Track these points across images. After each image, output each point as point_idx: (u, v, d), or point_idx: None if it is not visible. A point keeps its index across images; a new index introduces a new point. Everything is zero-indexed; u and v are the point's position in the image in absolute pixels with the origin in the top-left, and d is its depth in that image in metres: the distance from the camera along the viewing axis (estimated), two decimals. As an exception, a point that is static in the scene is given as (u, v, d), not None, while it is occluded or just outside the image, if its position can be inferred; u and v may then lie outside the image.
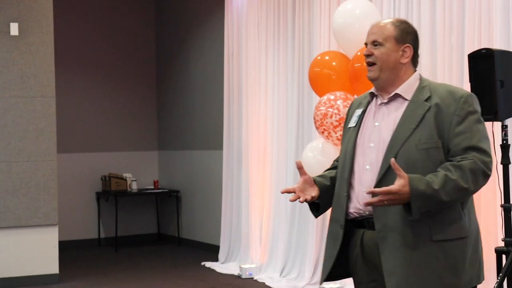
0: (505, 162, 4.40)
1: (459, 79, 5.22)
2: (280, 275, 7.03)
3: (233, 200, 7.98)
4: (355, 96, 5.27)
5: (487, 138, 2.85)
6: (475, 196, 4.96)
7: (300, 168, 3.04)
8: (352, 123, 3.05)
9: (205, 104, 9.13)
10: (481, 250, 2.94)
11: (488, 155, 2.80)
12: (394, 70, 2.92)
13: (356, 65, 5.15)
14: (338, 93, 5.25)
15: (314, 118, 5.29)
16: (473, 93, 2.90)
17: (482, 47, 4.69)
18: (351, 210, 2.93)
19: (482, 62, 4.40)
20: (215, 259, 8.11)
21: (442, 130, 2.79)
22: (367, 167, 2.89)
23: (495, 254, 4.39)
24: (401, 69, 2.93)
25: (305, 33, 6.93)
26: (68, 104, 9.33)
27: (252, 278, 7.21)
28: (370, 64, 2.94)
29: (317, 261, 6.61)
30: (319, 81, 5.51)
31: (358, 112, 3.05)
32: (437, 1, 5.48)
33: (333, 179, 3.10)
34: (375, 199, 2.69)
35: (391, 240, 2.79)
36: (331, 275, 3.00)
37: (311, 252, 6.65)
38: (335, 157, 5.31)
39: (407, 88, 2.92)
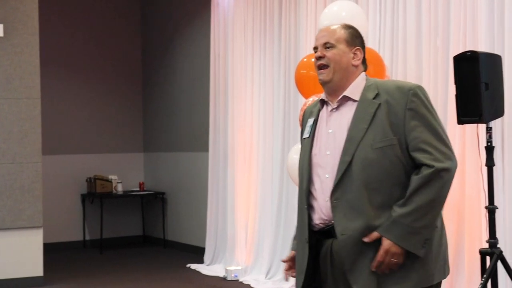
0: (489, 164, 4.42)
1: (444, 81, 5.25)
2: (266, 277, 7.02)
3: (219, 202, 7.97)
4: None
5: (441, 125, 2.83)
6: (460, 198, 5.03)
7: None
8: (306, 134, 3.01)
9: (191, 105, 9.12)
10: (446, 245, 2.91)
11: (445, 144, 2.78)
12: (346, 72, 2.89)
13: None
14: (323, 95, 5.25)
15: (299, 120, 5.29)
16: (419, 85, 2.86)
17: (467, 49, 4.72)
18: (316, 221, 2.89)
19: (467, 65, 4.42)
20: (201, 261, 8.10)
21: (397, 126, 2.76)
22: (327, 175, 2.85)
23: (479, 256, 4.40)
24: (352, 71, 2.90)
25: (291, 34, 6.95)
26: (54, 106, 9.30)
27: (238, 280, 7.20)
28: (322, 67, 2.91)
29: (303, 263, 6.61)
30: (305, 83, 5.50)
31: (310, 121, 3.01)
32: (423, 4, 5.50)
33: None
34: (380, 269, 2.73)
35: (350, 243, 2.76)
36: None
37: (297, 254, 6.64)
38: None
39: (354, 89, 2.89)
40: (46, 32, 8.44)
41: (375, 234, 2.73)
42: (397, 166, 2.75)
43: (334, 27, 2.95)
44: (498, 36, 4.90)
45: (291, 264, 3.08)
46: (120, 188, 9.67)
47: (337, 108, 2.91)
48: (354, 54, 2.91)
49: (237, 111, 7.67)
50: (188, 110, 9.18)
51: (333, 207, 2.80)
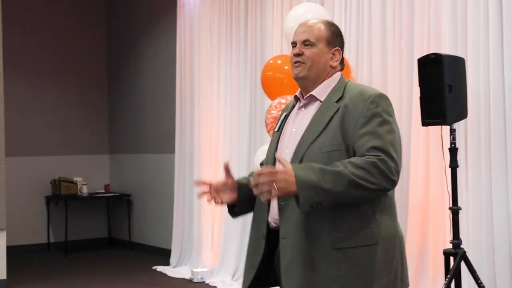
0: (453, 165, 4.47)
1: (409, 84, 5.30)
2: (232, 278, 7.02)
3: (185, 204, 7.95)
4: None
5: (393, 140, 2.67)
6: (424, 199, 5.08)
7: (226, 170, 2.89)
8: (276, 127, 2.97)
9: (157, 107, 9.09)
10: (402, 258, 2.77)
11: (392, 158, 2.63)
12: (322, 72, 2.82)
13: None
14: (289, 97, 5.27)
15: (266, 122, 5.30)
16: (383, 93, 2.75)
17: (431, 52, 4.76)
18: (270, 219, 2.83)
19: (431, 67, 4.46)
20: (167, 263, 8.07)
21: (347, 132, 2.67)
22: None
23: (443, 256, 4.44)
24: (328, 72, 2.83)
25: (258, 36, 6.96)
26: (18, 107, 9.20)
27: (204, 282, 7.19)
28: (299, 62, 2.82)
29: (269, 264, 6.62)
30: (272, 85, 5.51)
31: (283, 116, 2.97)
32: (387, 7, 5.55)
33: None
34: (258, 178, 2.54)
35: (291, 248, 2.69)
36: (258, 283, 2.89)
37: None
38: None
39: (323, 89, 2.81)
40: (9, 34, 8.33)
41: (279, 156, 2.63)
42: None
43: (316, 24, 2.85)
44: (461, 39, 4.96)
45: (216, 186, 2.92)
46: (85, 190, 9.60)
47: (304, 106, 2.86)
48: (333, 54, 2.84)
49: (203, 112, 7.66)
50: (154, 112, 9.15)
51: (280, 208, 2.74)
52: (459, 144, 4.62)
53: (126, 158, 9.82)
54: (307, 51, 2.80)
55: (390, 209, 2.78)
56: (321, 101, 2.80)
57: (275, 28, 6.67)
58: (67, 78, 9.87)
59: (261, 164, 3.08)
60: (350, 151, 2.66)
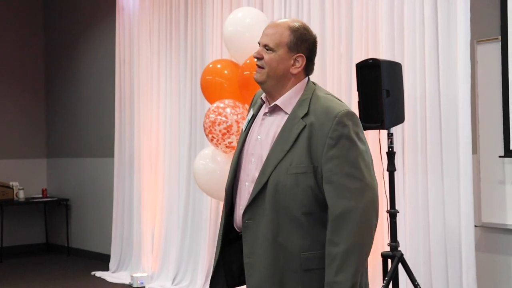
0: (390, 169, 4.53)
1: (348, 88, 5.36)
2: (172, 283, 6.99)
3: (125, 208, 7.88)
4: (246, 106, 5.32)
5: (360, 159, 2.59)
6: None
7: None
8: (243, 126, 2.88)
9: (96, 110, 8.99)
10: (365, 268, 2.71)
11: (362, 180, 2.56)
12: (283, 79, 2.71)
13: (245, 72, 5.19)
14: (227, 101, 5.28)
15: (204, 126, 5.30)
16: (350, 111, 2.62)
17: (369, 57, 4.83)
18: (234, 224, 2.80)
19: (369, 72, 4.52)
20: (106, 268, 7.98)
21: (315, 154, 2.58)
22: (246, 184, 2.73)
23: (381, 259, 4.50)
24: (290, 78, 2.71)
25: (198, 40, 6.95)
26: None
27: (144, 287, 7.13)
28: (258, 66, 2.73)
29: (209, 268, 6.62)
30: (211, 89, 5.51)
31: (249, 115, 2.87)
32: (326, 12, 5.61)
33: None
34: None
35: (258, 267, 2.64)
36: (226, 284, 2.88)
37: (204, 260, 6.65)
38: (225, 164, 5.36)
39: (288, 99, 2.71)
40: None
41: None
42: (308, 194, 2.58)
43: (281, 27, 2.71)
44: (398, 45, 5.05)
45: None
46: (21, 195, 9.42)
47: (270, 113, 2.75)
48: (295, 61, 2.70)
49: (143, 116, 7.60)
50: (93, 115, 9.04)
51: (244, 227, 2.67)
52: (396, 148, 4.70)
53: (64, 162, 9.68)
54: (266, 56, 2.70)
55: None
56: (286, 113, 2.69)
57: (215, 32, 6.67)
58: (2, 81, 9.68)
59: None
60: (318, 173, 2.58)
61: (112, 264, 7.95)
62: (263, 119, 2.77)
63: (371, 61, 4.57)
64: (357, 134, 2.61)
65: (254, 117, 2.84)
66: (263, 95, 2.81)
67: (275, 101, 2.72)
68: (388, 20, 5.09)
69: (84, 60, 9.24)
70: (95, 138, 8.98)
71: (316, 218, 2.59)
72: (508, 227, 4.82)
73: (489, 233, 4.98)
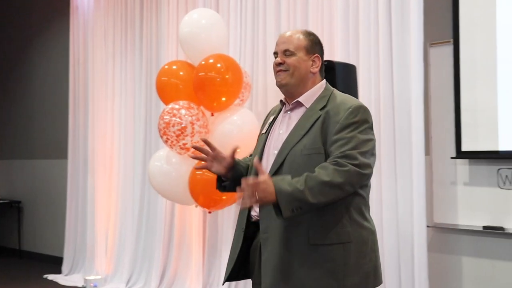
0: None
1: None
2: (126, 285, 6.94)
3: (78, 211, 7.81)
4: (201, 107, 5.32)
5: (364, 147, 2.81)
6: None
7: (233, 153, 3.05)
8: (263, 130, 3.14)
9: (49, 112, 8.88)
10: (375, 255, 2.92)
11: (353, 158, 2.75)
12: (304, 78, 2.97)
13: (200, 74, 5.18)
14: (181, 102, 5.26)
15: (158, 127, 5.27)
16: (364, 105, 2.89)
17: (324, 59, 4.84)
18: (253, 213, 2.98)
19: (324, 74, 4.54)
20: (58, 271, 7.90)
21: (326, 137, 2.83)
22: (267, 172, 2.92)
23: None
24: (310, 78, 2.99)
25: (153, 41, 6.92)
26: None
27: (97, 289, 7.08)
28: (281, 71, 2.97)
29: (164, 270, 6.59)
30: (167, 90, 5.49)
31: (271, 119, 3.13)
32: (282, 15, 5.63)
33: (247, 168, 3.14)
34: (243, 191, 2.68)
35: (271, 242, 2.84)
36: (236, 276, 3.05)
37: (158, 262, 6.62)
38: (180, 165, 5.35)
39: (309, 96, 2.97)
40: None
41: (257, 162, 2.80)
42: None
43: (295, 34, 3.01)
44: (353, 47, 5.10)
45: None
46: (-28, 198, 9.28)
47: (291, 110, 3.02)
48: (313, 61, 2.99)
49: (97, 117, 7.54)
50: (47, 117, 8.94)
51: (261, 206, 2.87)
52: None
53: (16, 164, 9.54)
54: (288, 60, 2.96)
55: (364, 208, 2.94)
56: (306, 107, 2.96)
57: (171, 33, 6.65)
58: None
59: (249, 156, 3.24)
60: (327, 154, 2.82)
61: (65, 267, 7.86)
62: (283, 116, 3.04)
63: (326, 63, 4.54)
64: (367, 125, 2.86)
65: (274, 120, 3.11)
66: (283, 98, 3.07)
67: (294, 100, 2.99)
68: (343, 23, 5.14)
69: (37, 60, 9.13)
70: (49, 140, 8.88)
71: None
72: (460, 228, 4.90)
73: (441, 234, 5.06)
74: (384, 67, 4.90)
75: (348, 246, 2.83)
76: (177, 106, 5.23)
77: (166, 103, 5.48)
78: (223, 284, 3.22)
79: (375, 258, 2.94)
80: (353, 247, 2.84)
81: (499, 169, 4.68)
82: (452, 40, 4.87)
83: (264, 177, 2.69)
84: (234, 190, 3.15)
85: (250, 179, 2.68)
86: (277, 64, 2.99)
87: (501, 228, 4.67)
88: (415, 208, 4.72)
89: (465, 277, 4.93)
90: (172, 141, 5.22)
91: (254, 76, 5.85)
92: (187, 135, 5.16)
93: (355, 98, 3.00)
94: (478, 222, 4.80)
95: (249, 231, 3.00)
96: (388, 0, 4.92)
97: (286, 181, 2.71)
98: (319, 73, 3.03)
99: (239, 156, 3.19)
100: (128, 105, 7.21)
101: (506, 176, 4.65)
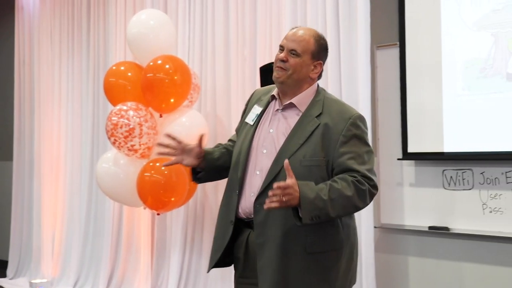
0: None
1: (252, 91, 5.38)
2: (73, 288, 6.87)
3: (24, 213, 7.69)
4: (150, 109, 5.28)
5: (370, 160, 2.89)
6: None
7: (200, 140, 3.09)
8: (249, 120, 3.10)
9: (-7, 113, 8.73)
10: (356, 258, 3.03)
11: (370, 179, 2.83)
12: (301, 82, 2.98)
13: (148, 75, 5.15)
14: (129, 104, 5.22)
15: (106, 129, 5.22)
16: (362, 115, 2.95)
17: (273, 60, 4.87)
18: (240, 210, 2.99)
19: (272, 75, 4.55)
20: (3, 275, 7.76)
21: (328, 149, 2.85)
22: (257, 172, 2.95)
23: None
24: (307, 82, 2.99)
25: (101, 42, 6.85)
26: None
27: (44, 293, 6.98)
28: (282, 68, 2.97)
29: (112, 272, 6.53)
30: (115, 91, 5.45)
31: (257, 110, 3.10)
32: (231, 15, 5.64)
33: (222, 156, 3.19)
34: (273, 197, 2.69)
35: (267, 249, 2.86)
36: (220, 264, 3.09)
37: (106, 264, 6.56)
38: (128, 167, 5.31)
39: (302, 99, 2.98)
40: None
41: (287, 164, 2.76)
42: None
43: (307, 34, 2.99)
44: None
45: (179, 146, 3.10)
46: None
47: (282, 109, 3.01)
48: (315, 67, 2.98)
49: (44, 118, 7.43)
50: (-10, 118, 8.78)
51: (256, 211, 2.90)
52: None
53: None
54: (292, 60, 2.95)
55: (352, 216, 3.02)
56: (300, 111, 2.97)
57: (118, 33, 6.59)
58: None
59: (230, 140, 3.27)
60: (329, 166, 2.86)
61: (9, 270, 7.73)
62: (274, 114, 3.04)
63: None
64: (366, 136, 2.93)
65: (262, 112, 3.08)
66: (275, 92, 3.07)
67: (288, 99, 3.00)
68: (291, 25, 5.16)
69: (-19, 60, 8.97)
70: (-7, 141, 8.73)
71: None
72: (406, 228, 4.96)
73: (387, 234, 5.12)
74: (332, 69, 4.93)
75: (341, 252, 2.92)
76: (125, 108, 5.19)
77: (114, 104, 5.43)
78: (207, 272, 3.24)
79: (356, 261, 3.05)
80: (344, 252, 2.93)
81: (444, 170, 4.76)
82: (398, 42, 4.94)
83: (293, 180, 2.70)
84: (209, 180, 3.24)
85: (282, 183, 2.68)
86: (280, 60, 2.98)
87: (446, 228, 4.75)
88: (362, 209, 4.76)
89: (411, 276, 5.00)
90: (120, 143, 5.17)
91: (202, 78, 5.84)
92: (135, 137, 5.12)
93: (350, 106, 3.03)
94: (423, 222, 4.87)
95: (236, 224, 3.02)
96: (335, 3, 4.96)
97: (311, 188, 2.73)
98: (318, 77, 3.04)
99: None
100: (75, 106, 7.12)
101: (451, 177, 4.73)
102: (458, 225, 4.71)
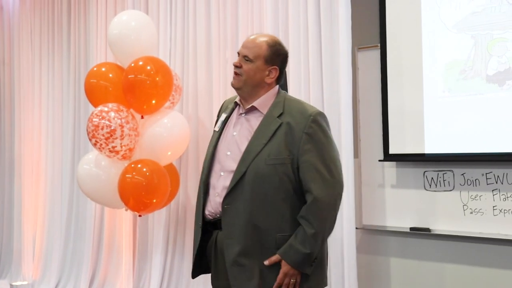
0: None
1: (233, 93, 5.34)
2: (55, 290, 6.84)
3: (4, 214, 7.65)
4: (131, 110, 5.27)
5: (333, 155, 3.00)
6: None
7: None
8: (216, 128, 3.22)
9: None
10: (327, 256, 3.12)
11: (334, 176, 2.95)
12: (257, 86, 3.07)
13: (129, 76, 5.13)
14: (110, 105, 5.20)
15: (87, 130, 5.20)
16: (322, 112, 3.04)
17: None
18: (206, 212, 3.09)
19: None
20: (-16, 277, 7.72)
21: (292, 146, 2.94)
22: (222, 173, 3.05)
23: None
24: (263, 87, 3.08)
25: (81, 43, 6.82)
26: None
27: (25, 295, 6.94)
28: (237, 74, 3.09)
29: (94, 274, 6.51)
30: (96, 93, 5.42)
31: (223, 117, 3.22)
32: (212, 17, 5.64)
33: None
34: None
35: (237, 247, 2.94)
36: (200, 270, 3.20)
37: (87, 266, 6.53)
38: (109, 168, 5.29)
39: (263, 102, 3.07)
40: None
41: (275, 258, 2.92)
42: (285, 182, 2.94)
43: (260, 41, 3.08)
44: (283, 51, 5.12)
45: None
46: None
47: (245, 113, 3.11)
48: (270, 72, 3.07)
49: (24, 119, 7.39)
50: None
51: (223, 211, 2.99)
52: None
53: None
54: (245, 66, 3.07)
55: None
56: (262, 113, 3.06)
57: (99, 34, 6.57)
58: None
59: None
60: (294, 163, 2.95)
61: (-10, 272, 7.69)
62: (238, 118, 3.14)
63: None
64: (328, 132, 3.03)
65: (227, 119, 3.20)
66: (238, 99, 3.18)
67: (249, 104, 3.11)
68: (273, 27, 5.17)
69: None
70: (-27, 142, 8.65)
71: (291, 203, 2.95)
72: (388, 229, 4.98)
73: (369, 235, 5.13)
74: (314, 71, 4.94)
75: None
76: (106, 109, 5.16)
77: (95, 105, 5.41)
78: (193, 278, 3.32)
79: (327, 259, 3.13)
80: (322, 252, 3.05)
81: (425, 171, 4.79)
82: (379, 44, 4.96)
83: (284, 269, 2.90)
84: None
85: (278, 281, 2.91)
86: (235, 66, 3.11)
87: (427, 230, 4.77)
88: (344, 210, 4.78)
89: (393, 277, 5.02)
90: (101, 144, 5.15)
91: (184, 79, 5.83)
92: (116, 138, 5.10)
93: (310, 104, 3.15)
94: (405, 223, 4.89)
95: (205, 227, 3.11)
96: (317, 5, 4.97)
97: (294, 251, 2.90)
98: (274, 82, 3.12)
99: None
100: (56, 107, 7.09)
101: (432, 178, 4.76)
102: (439, 226, 4.74)
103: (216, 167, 3.09)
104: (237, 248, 2.94)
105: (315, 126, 2.97)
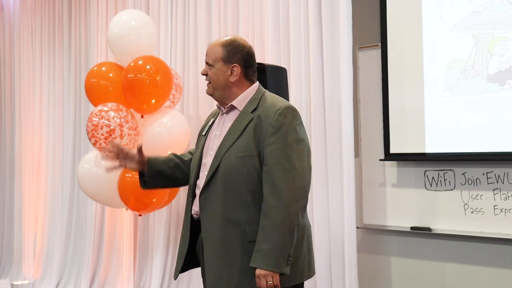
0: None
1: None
2: (55, 290, 6.84)
3: (5, 214, 7.64)
4: (131, 110, 5.26)
5: (298, 147, 2.97)
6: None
7: (139, 150, 3.27)
8: (203, 132, 3.30)
9: (-27, 113, 8.66)
10: (309, 248, 3.09)
11: (295, 168, 2.92)
12: (226, 88, 3.12)
13: (129, 75, 5.13)
14: (110, 104, 5.20)
15: (87, 129, 5.20)
16: (291, 106, 3.04)
17: (256, 62, 4.86)
18: (193, 211, 3.16)
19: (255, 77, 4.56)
20: (-16, 277, 7.72)
21: (259, 139, 2.99)
22: (206, 173, 3.10)
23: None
24: (232, 86, 3.13)
25: (82, 42, 6.82)
26: None
27: (25, 295, 6.94)
28: (208, 81, 3.16)
29: (94, 274, 6.51)
30: (96, 92, 5.42)
31: (210, 121, 3.30)
32: (213, 16, 5.63)
33: (167, 161, 3.36)
34: None
35: (211, 240, 3.00)
36: (184, 268, 3.23)
37: (88, 266, 6.53)
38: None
39: (242, 99, 3.12)
40: None
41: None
42: (253, 174, 2.96)
43: (214, 46, 3.15)
44: (284, 50, 5.12)
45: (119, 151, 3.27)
46: None
47: (226, 113, 3.17)
48: (231, 71, 3.12)
49: (25, 119, 7.39)
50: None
51: (201, 206, 3.06)
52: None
53: None
54: (209, 72, 3.15)
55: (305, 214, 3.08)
56: (239, 110, 3.11)
57: (100, 34, 6.56)
58: None
59: (189, 152, 3.45)
60: (261, 157, 2.98)
61: (-9, 272, 7.70)
62: (220, 119, 3.21)
63: (257, 65, 4.60)
64: (296, 125, 3.01)
65: (212, 123, 3.28)
66: (216, 103, 3.24)
67: (227, 105, 3.16)
68: (273, 26, 5.16)
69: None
70: (-27, 142, 8.66)
71: (260, 195, 2.96)
72: (388, 228, 4.98)
73: (370, 234, 5.13)
74: (314, 70, 4.94)
75: None
76: (105, 108, 5.16)
77: (96, 105, 5.41)
78: (175, 279, 3.34)
79: (309, 251, 3.10)
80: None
81: (426, 171, 4.78)
82: (380, 44, 4.95)
83: (256, 272, 2.87)
84: (156, 186, 3.41)
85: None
86: (203, 74, 3.18)
87: (428, 229, 4.77)
88: (345, 209, 4.78)
89: (394, 276, 5.02)
90: (100, 144, 5.15)
91: (185, 78, 5.82)
92: (115, 138, 5.10)
93: (284, 100, 3.13)
94: (405, 223, 4.89)
95: (194, 228, 3.16)
96: (317, 5, 4.96)
97: (257, 251, 2.87)
98: (245, 79, 3.15)
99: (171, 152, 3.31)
100: (56, 107, 7.09)
101: (433, 177, 4.75)
102: (440, 226, 4.74)
103: (203, 168, 3.16)
104: (211, 244, 3.00)
105: (281, 119, 2.97)
